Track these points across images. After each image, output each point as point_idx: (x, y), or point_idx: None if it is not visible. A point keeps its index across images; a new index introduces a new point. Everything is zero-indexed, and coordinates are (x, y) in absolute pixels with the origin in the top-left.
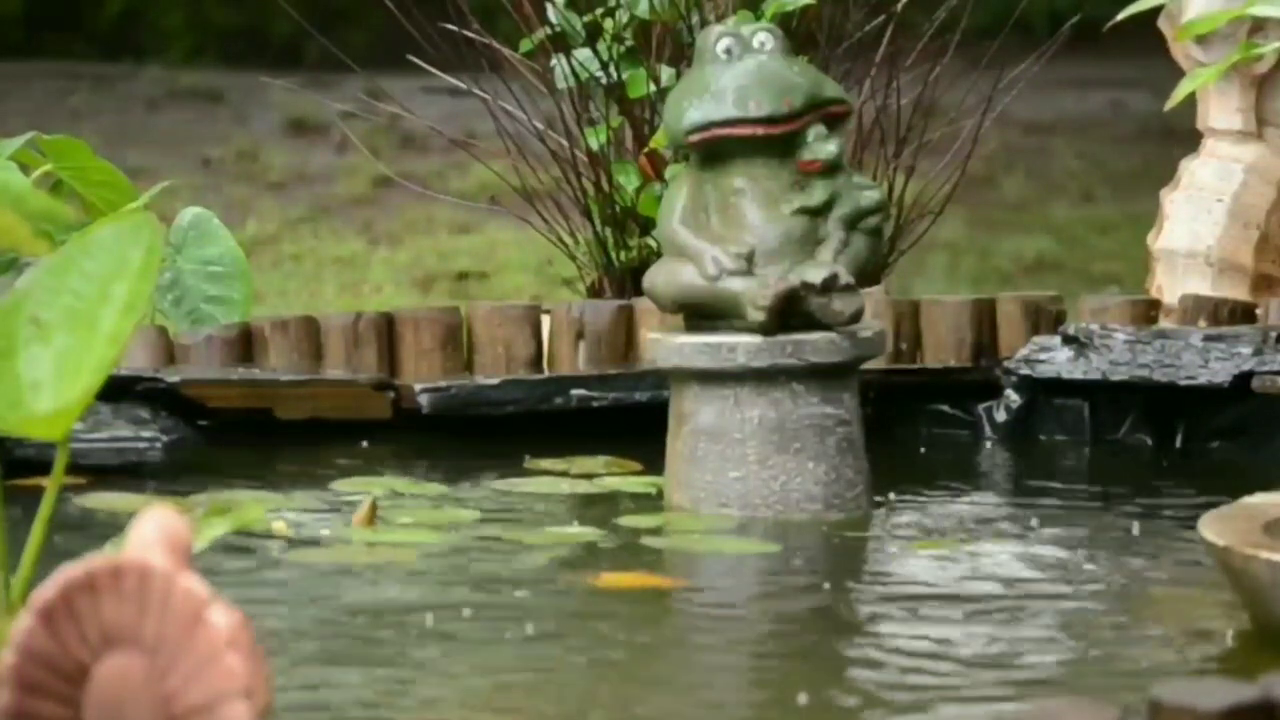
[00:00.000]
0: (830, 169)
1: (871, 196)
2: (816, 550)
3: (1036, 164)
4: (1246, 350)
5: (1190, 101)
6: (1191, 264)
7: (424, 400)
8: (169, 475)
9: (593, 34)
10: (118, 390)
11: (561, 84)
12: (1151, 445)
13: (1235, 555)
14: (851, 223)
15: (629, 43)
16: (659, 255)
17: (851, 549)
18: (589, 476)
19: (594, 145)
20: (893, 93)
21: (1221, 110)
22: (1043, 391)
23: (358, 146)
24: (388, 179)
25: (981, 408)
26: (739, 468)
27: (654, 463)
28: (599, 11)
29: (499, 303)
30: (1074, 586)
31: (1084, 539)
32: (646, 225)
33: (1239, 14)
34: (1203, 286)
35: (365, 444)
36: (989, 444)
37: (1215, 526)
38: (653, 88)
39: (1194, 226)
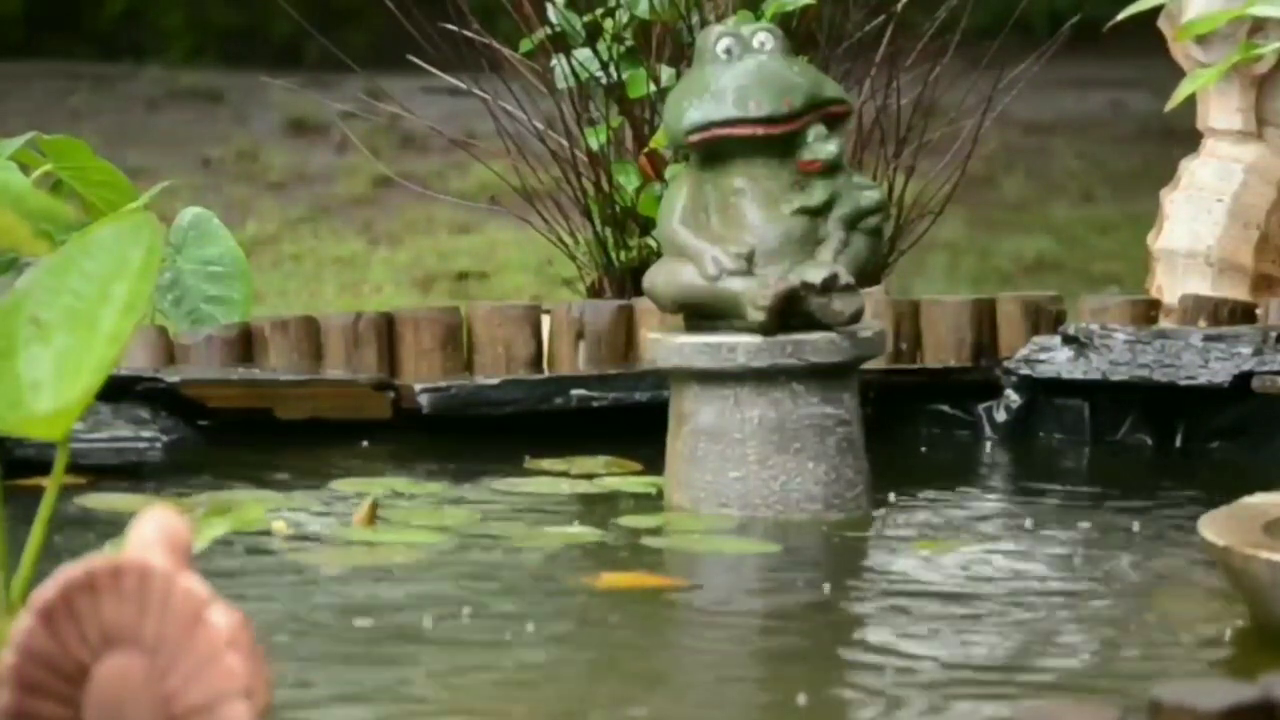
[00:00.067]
0: (830, 169)
1: (871, 196)
2: (816, 550)
3: (1036, 164)
4: (1246, 350)
5: (1190, 101)
6: (1191, 264)
7: (424, 400)
8: (169, 475)
9: (593, 34)
10: (118, 390)
11: (561, 84)
12: (1151, 445)
13: (1235, 555)
14: (851, 223)
15: (629, 43)
16: (659, 255)
17: (851, 549)
18: (589, 476)
19: (594, 145)
20: (893, 93)
21: (1221, 110)
22: (1043, 391)
23: (358, 146)
24: (388, 179)
25: (981, 408)
26: (739, 468)
27: (654, 463)
28: (599, 11)
29: (499, 303)
30: (1074, 586)
31: (1084, 539)
32: (646, 225)
33: (1239, 14)
34: (1203, 286)
35: (365, 444)
36: (989, 444)
37: (1215, 526)
38: (653, 88)
39: (1194, 226)
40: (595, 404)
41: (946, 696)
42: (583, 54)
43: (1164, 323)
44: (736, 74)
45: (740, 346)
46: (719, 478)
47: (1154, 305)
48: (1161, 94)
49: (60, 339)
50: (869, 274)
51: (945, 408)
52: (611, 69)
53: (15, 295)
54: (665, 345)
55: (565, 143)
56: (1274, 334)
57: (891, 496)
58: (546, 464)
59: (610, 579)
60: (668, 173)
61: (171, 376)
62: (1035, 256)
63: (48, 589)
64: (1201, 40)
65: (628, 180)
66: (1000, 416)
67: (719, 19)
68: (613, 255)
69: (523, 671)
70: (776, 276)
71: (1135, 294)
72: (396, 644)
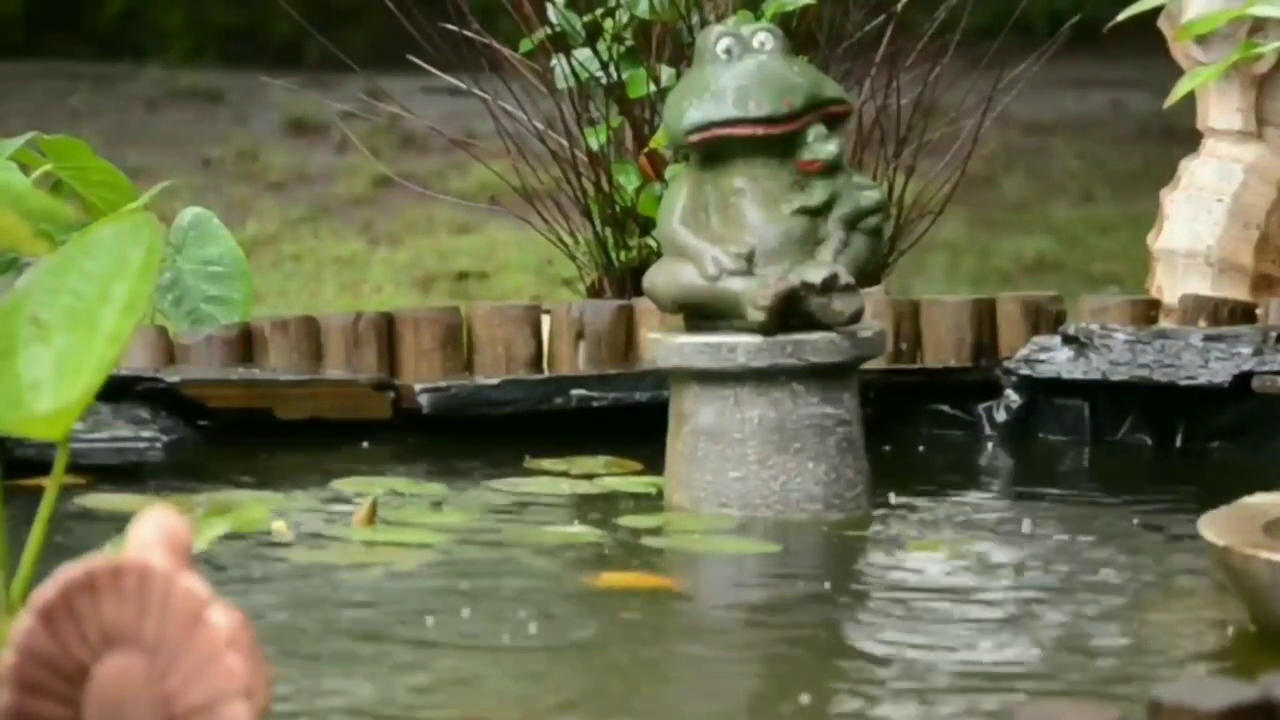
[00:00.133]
0: (830, 169)
1: (871, 196)
2: (816, 550)
3: (1036, 164)
4: (1246, 350)
5: (1190, 101)
6: (1191, 264)
7: (424, 400)
8: (169, 475)
9: (593, 34)
10: (118, 390)
11: (561, 84)
12: (1151, 445)
13: (1235, 555)
14: (851, 223)
15: (629, 43)
16: (659, 255)
17: (851, 549)
18: (589, 476)
19: (594, 145)
20: (893, 93)
21: (1221, 110)
22: (1043, 391)
23: (358, 146)
24: (388, 179)
25: (981, 408)
26: (739, 468)
27: (654, 463)
28: (599, 11)
29: (499, 303)
30: (1074, 586)
31: (1084, 539)
32: (646, 225)
33: (1239, 14)
34: (1203, 286)
35: (365, 444)
36: (989, 444)
37: (1215, 526)
38: (653, 88)
39: (1194, 226)
40: (595, 404)
41: (946, 696)
42: (583, 54)
43: (1164, 323)
44: (736, 74)
45: (740, 346)
46: (719, 478)
47: (1154, 305)
48: (1161, 94)
49: (60, 339)
50: (869, 274)
51: (945, 408)
52: (611, 69)
53: (15, 295)
54: (665, 345)
55: (565, 143)
56: (1274, 334)
57: (891, 496)
58: (546, 464)
59: (610, 579)
60: (668, 173)
61: (171, 376)
62: (1035, 256)
63: (48, 589)
64: (1201, 40)
65: (628, 180)
66: (1000, 416)
67: (719, 19)
68: (613, 255)
69: (523, 671)
70: (776, 276)
71: (1135, 294)
72: (396, 644)
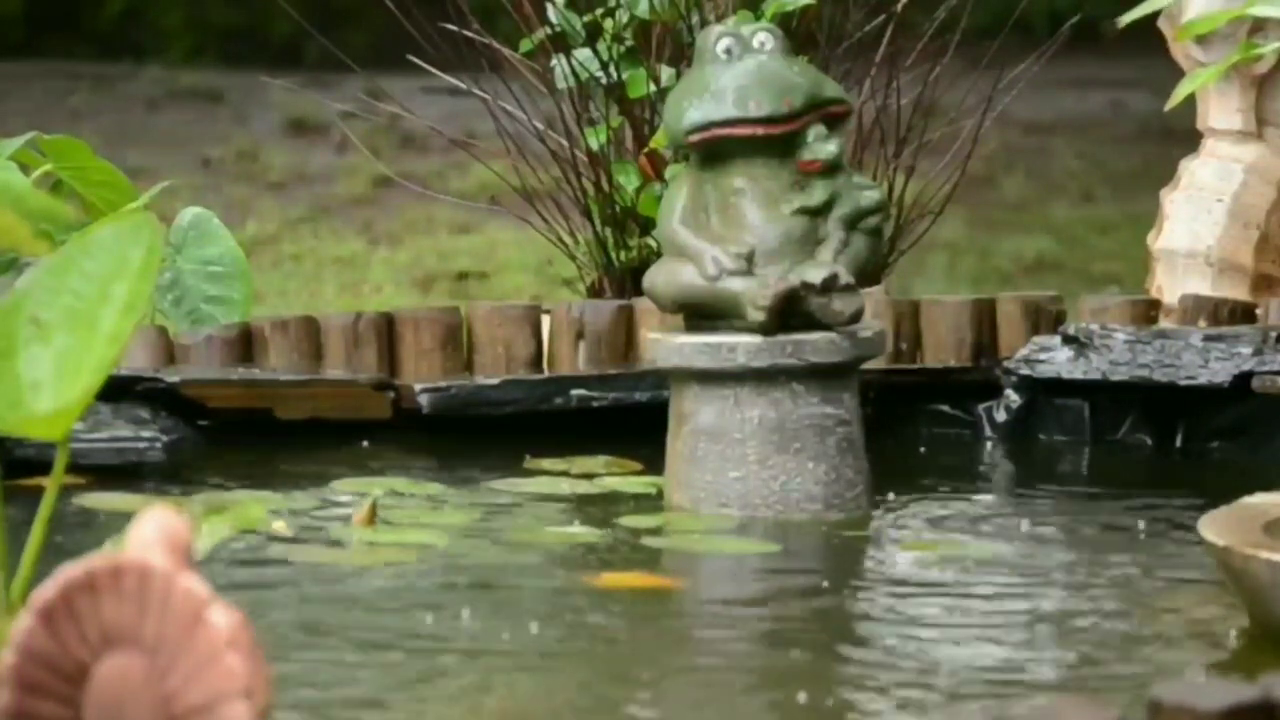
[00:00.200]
0: (830, 169)
1: (871, 196)
2: (816, 550)
3: (1036, 164)
4: (1246, 350)
5: (1190, 101)
6: (1191, 264)
7: (424, 400)
8: (169, 475)
9: (593, 34)
10: (118, 390)
11: (561, 84)
12: (1151, 445)
13: (1235, 555)
14: (851, 223)
15: (629, 43)
16: (659, 255)
17: (851, 549)
18: (589, 476)
19: (594, 145)
20: (893, 93)
21: (1221, 110)
22: (1043, 391)
23: (358, 146)
24: (388, 179)
25: (981, 408)
26: (739, 468)
27: (654, 463)
28: (599, 11)
29: (499, 303)
30: (1074, 586)
31: (1084, 539)
32: (646, 225)
33: (1239, 14)
34: (1203, 286)
35: (365, 444)
36: (989, 444)
37: (1215, 526)
38: (653, 88)
39: (1194, 226)
40: (595, 404)
41: (946, 696)
42: (583, 54)
43: (1164, 323)
44: (736, 74)
45: (740, 346)
46: (719, 478)
47: (1154, 305)
48: (1161, 94)
49: (60, 339)
50: (869, 274)
51: (945, 408)
52: (611, 69)
53: (15, 295)
54: (665, 345)
55: (565, 143)
56: (1274, 334)
57: (891, 496)
58: (546, 464)
59: (610, 579)
60: (668, 173)
61: (171, 376)
62: (1035, 256)
63: (48, 589)
64: (1201, 40)
65: (628, 180)
66: (1000, 416)
67: (719, 19)
68: (613, 255)
69: (523, 671)
70: (776, 276)
71: (1135, 294)
72: (396, 644)
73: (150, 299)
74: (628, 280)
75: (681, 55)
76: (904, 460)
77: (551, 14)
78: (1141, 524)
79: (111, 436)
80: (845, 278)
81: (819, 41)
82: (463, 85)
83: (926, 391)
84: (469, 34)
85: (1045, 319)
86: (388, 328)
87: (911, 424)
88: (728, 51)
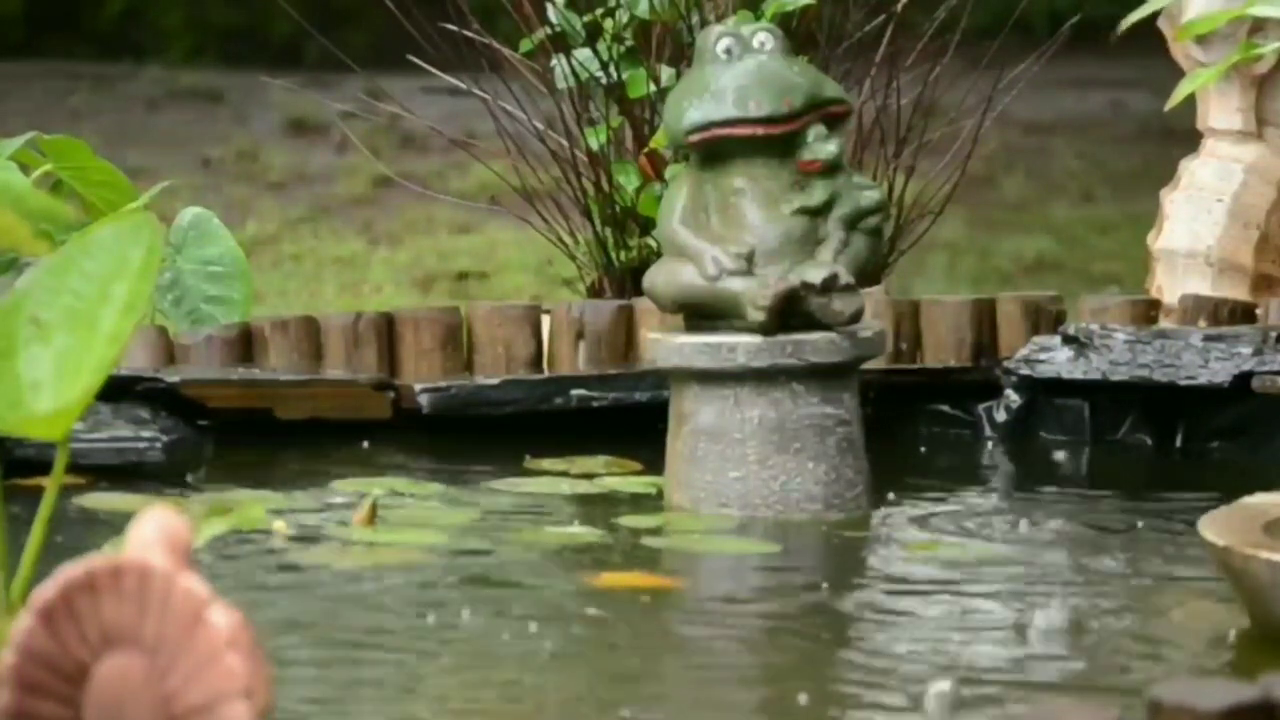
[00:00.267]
0: (830, 169)
1: (871, 196)
2: (816, 550)
3: (1036, 164)
4: (1246, 350)
5: (1190, 101)
6: (1191, 264)
7: (424, 400)
8: (169, 475)
9: (593, 34)
10: (118, 390)
11: (561, 84)
12: (1151, 445)
13: (1235, 555)
14: (851, 223)
15: (629, 43)
16: (659, 255)
17: (851, 549)
18: (589, 476)
19: (594, 145)
20: (893, 93)
21: (1221, 110)
22: (1043, 391)
23: (358, 146)
24: (388, 179)
25: (981, 408)
26: (739, 468)
27: (654, 463)
28: (599, 11)
29: (499, 303)
30: (1074, 586)
31: (1084, 539)
32: (646, 225)
33: (1239, 14)
34: (1203, 286)
35: (365, 444)
36: (989, 444)
37: (1215, 526)
38: (653, 88)
39: (1194, 226)
40: (595, 404)
41: (945, 696)
42: (583, 54)
43: (1164, 323)
44: (736, 74)
45: (740, 346)
46: (719, 478)
47: (1154, 305)
48: (1161, 94)
49: (60, 339)
50: (869, 274)
51: (945, 408)
52: (611, 69)
53: (15, 295)
54: (665, 345)
55: (565, 143)
56: (1274, 334)
57: (891, 496)
58: (546, 464)
59: (610, 579)
60: (668, 173)
61: (171, 376)
62: (1035, 256)
63: (48, 589)
64: (1201, 40)
65: (628, 180)
66: (1000, 416)
67: (719, 19)
68: (613, 255)
69: (523, 671)
70: (776, 276)
71: (1135, 294)
72: (396, 644)
73: (150, 299)
74: (628, 280)
75: (681, 55)
76: (904, 460)
77: (551, 14)
78: (1141, 524)
79: (111, 436)
80: (845, 278)
81: (819, 41)
82: (463, 85)
83: (926, 391)
84: (469, 34)
85: (1045, 319)
86: (388, 328)
87: (911, 424)
88: (728, 51)
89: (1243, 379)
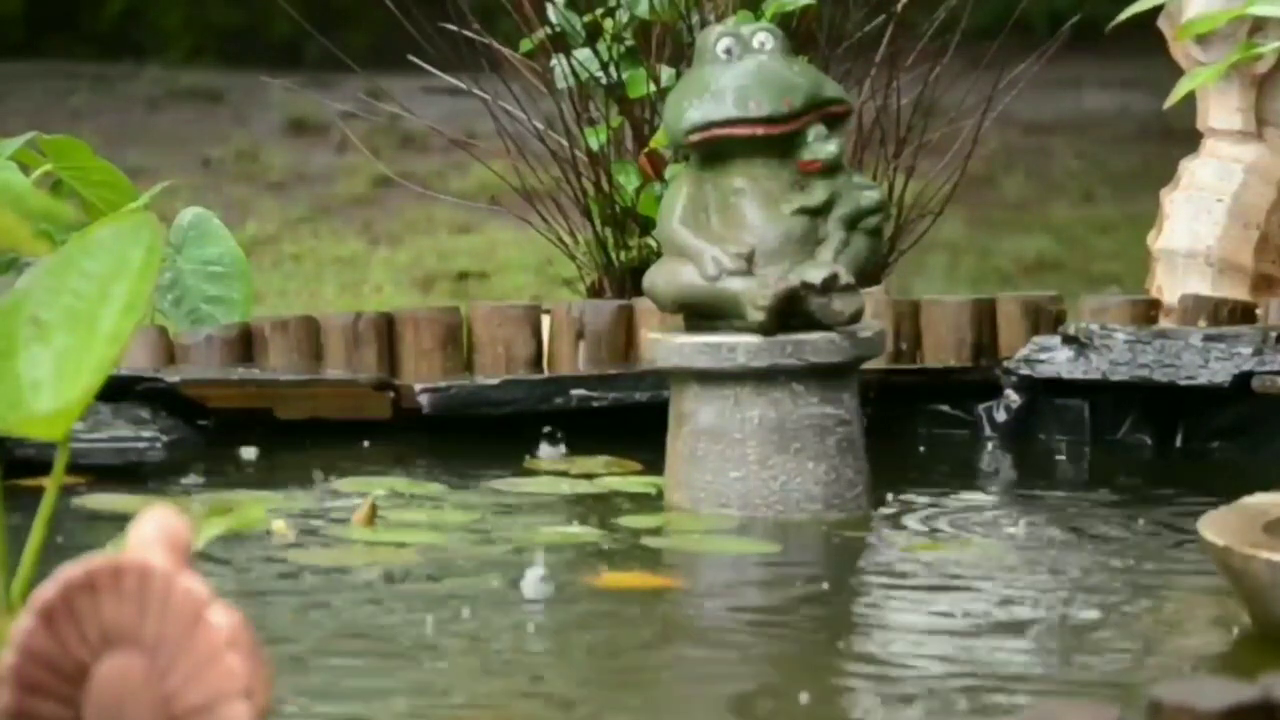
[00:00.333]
0: (830, 169)
1: (871, 196)
2: (816, 550)
3: (1036, 164)
4: (1246, 350)
5: (1190, 101)
6: (1191, 264)
7: (424, 400)
8: (169, 475)
9: (593, 34)
10: (118, 390)
11: (561, 84)
12: (1151, 445)
13: (1235, 555)
14: (851, 223)
15: (629, 43)
16: (659, 255)
17: (851, 549)
18: (589, 476)
19: (594, 145)
20: (893, 93)
21: (1221, 110)
22: (1043, 391)
23: (358, 146)
24: (388, 179)
25: (981, 408)
26: (739, 468)
27: (654, 463)
28: (599, 11)
29: (499, 303)
30: (1074, 587)
31: (1083, 539)
32: (646, 225)
33: (1239, 14)
34: (1203, 286)
35: (365, 444)
36: (989, 444)
37: (1215, 526)
38: (653, 88)
39: (1194, 226)
40: (595, 404)
41: (946, 697)
42: (583, 54)
43: (1164, 323)
44: (736, 74)
45: (740, 346)
46: (719, 478)
47: (1154, 305)
48: (1161, 94)
49: (60, 339)
50: (869, 274)
51: (945, 408)
52: (611, 69)
53: (15, 295)
54: (665, 345)
55: (565, 143)
56: (1274, 334)
57: (891, 496)
58: (546, 464)
59: (610, 579)
60: (668, 173)
61: (171, 376)
62: (1035, 256)
63: (48, 589)
64: (1201, 40)
65: (628, 180)
66: (1000, 416)
67: (719, 19)
68: (613, 255)
69: (522, 671)
70: (776, 276)
71: (1135, 294)
72: (396, 645)
73: (150, 299)
74: (628, 280)
75: (681, 55)
76: (904, 460)
77: (551, 14)
78: (1141, 524)
79: (111, 436)
80: (845, 278)
81: (819, 41)
82: (463, 85)
83: (926, 391)
84: (469, 34)
85: (1045, 319)
86: (388, 328)
87: (911, 424)
88: (728, 51)
89: (1243, 379)
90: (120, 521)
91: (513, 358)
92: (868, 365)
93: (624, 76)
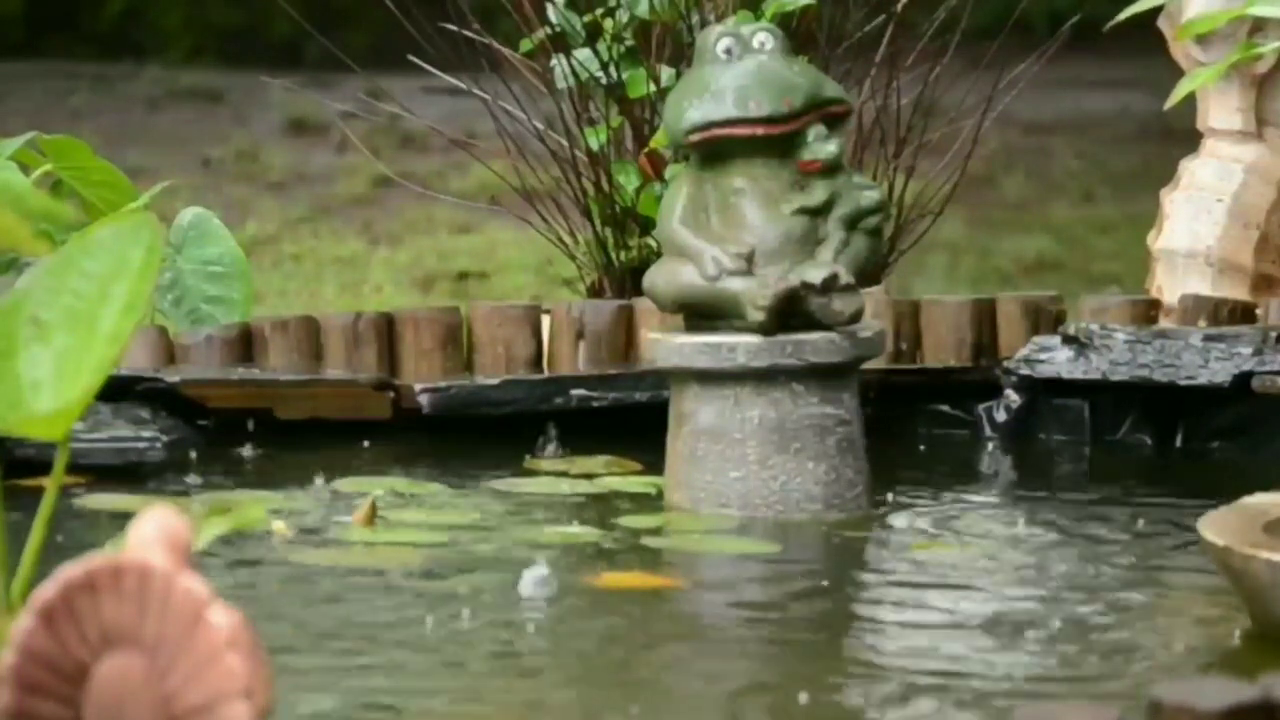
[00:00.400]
0: (830, 169)
1: (871, 196)
2: (816, 550)
3: (1036, 164)
4: (1246, 350)
5: (1190, 101)
6: (1191, 264)
7: (424, 400)
8: (169, 475)
9: (593, 34)
10: (118, 390)
11: (561, 84)
12: (1151, 445)
13: (1235, 555)
14: (851, 223)
15: (629, 43)
16: (659, 255)
17: (851, 549)
18: (589, 476)
19: (594, 145)
20: (893, 93)
21: (1221, 110)
22: (1043, 391)
23: (358, 146)
24: (388, 179)
25: (981, 408)
26: (739, 468)
27: (654, 463)
28: (599, 11)
29: (499, 303)
30: (1074, 586)
31: (1083, 539)
32: (646, 225)
33: (1239, 14)
34: (1203, 286)
35: (365, 444)
36: (989, 444)
37: (1215, 526)
38: (653, 88)
39: (1194, 226)
40: (595, 404)
41: (946, 697)
42: (583, 54)
43: (1164, 323)
44: (736, 74)
45: (740, 346)
46: (719, 478)
47: (1154, 305)
48: (1161, 94)
49: (60, 339)
50: (869, 274)
51: (945, 408)
52: (611, 69)
53: (15, 295)
54: (665, 345)
55: (565, 143)
56: (1274, 334)
57: (891, 496)
58: (546, 464)
59: (610, 579)
60: (668, 173)
61: (171, 376)
62: (1035, 256)
63: (48, 589)
64: (1201, 40)
65: (628, 180)
66: (1000, 416)
67: (719, 19)
68: (613, 255)
69: (522, 672)
70: (776, 276)
71: (1135, 294)
72: (396, 644)
73: (150, 299)
74: (628, 280)
75: (681, 55)
76: (904, 460)
77: (551, 14)
78: (1141, 524)
79: (111, 436)
80: (845, 278)
81: (819, 41)
82: (463, 85)
83: (926, 391)
84: (469, 34)
85: (1045, 319)
86: (388, 328)
87: (911, 424)
88: (728, 51)
89: (1243, 379)
90: (120, 521)
91: (513, 358)
92: (868, 365)
93: (624, 76)
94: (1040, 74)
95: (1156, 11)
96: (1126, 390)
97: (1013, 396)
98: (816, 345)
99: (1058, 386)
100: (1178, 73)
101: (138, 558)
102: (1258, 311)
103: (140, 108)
